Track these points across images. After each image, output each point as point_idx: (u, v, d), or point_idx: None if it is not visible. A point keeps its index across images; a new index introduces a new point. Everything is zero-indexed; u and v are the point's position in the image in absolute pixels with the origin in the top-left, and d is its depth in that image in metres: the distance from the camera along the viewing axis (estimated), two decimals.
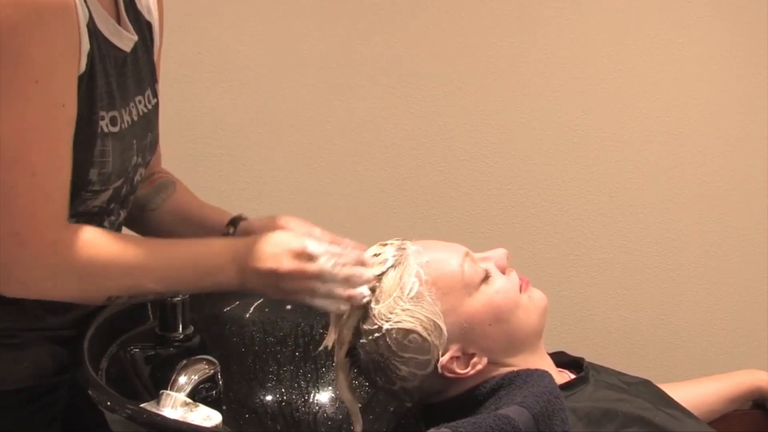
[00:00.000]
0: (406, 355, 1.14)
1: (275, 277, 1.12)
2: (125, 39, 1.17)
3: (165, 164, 1.39)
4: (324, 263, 1.13)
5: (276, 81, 1.85)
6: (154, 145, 1.28)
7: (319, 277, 1.13)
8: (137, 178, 1.25)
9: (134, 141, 1.19)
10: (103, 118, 1.12)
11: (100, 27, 1.11)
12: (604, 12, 1.93)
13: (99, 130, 1.11)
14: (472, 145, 1.94)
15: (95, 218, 1.17)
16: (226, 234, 1.31)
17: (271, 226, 1.24)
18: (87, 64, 1.08)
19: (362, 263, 1.17)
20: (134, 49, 1.20)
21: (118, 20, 1.18)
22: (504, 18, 1.89)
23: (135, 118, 1.20)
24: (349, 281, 1.14)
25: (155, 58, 1.29)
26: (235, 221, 1.32)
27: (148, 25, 1.26)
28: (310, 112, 1.87)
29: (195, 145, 1.81)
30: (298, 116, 1.87)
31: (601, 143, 1.98)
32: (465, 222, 1.96)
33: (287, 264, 1.12)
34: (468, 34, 1.89)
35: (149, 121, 1.25)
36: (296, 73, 1.85)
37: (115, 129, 1.14)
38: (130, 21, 1.21)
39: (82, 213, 1.14)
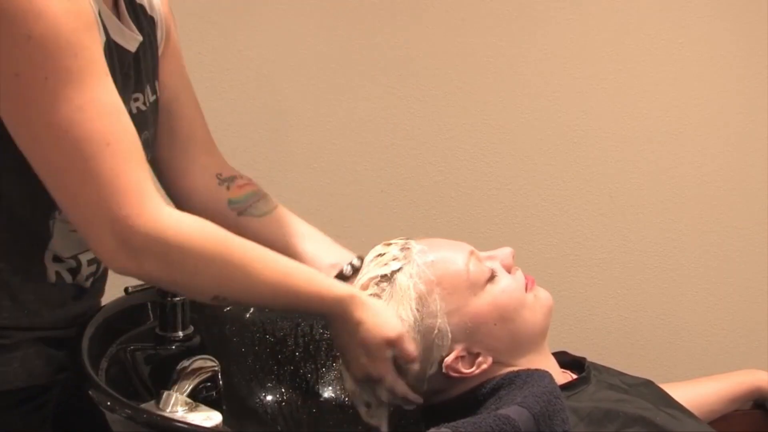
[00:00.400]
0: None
1: (381, 340, 1.13)
2: (129, 39, 1.17)
3: None
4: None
5: (276, 81, 1.84)
6: (150, 144, 1.26)
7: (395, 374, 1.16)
8: None
9: None
10: None
11: (106, 24, 1.11)
12: (604, 12, 1.93)
13: None
14: (472, 145, 1.94)
15: None
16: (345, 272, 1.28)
17: None
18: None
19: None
20: (138, 48, 1.20)
21: (120, 19, 1.17)
22: (504, 18, 1.89)
23: (132, 112, 1.19)
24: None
25: (159, 53, 1.29)
26: (355, 265, 1.28)
27: (151, 21, 1.26)
28: (310, 112, 1.87)
29: None
30: (298, 116, 1.87)
31: (601, 143, 1.98)
32: (465, 222, 1.96)
33: (382, 354, 1.14)
34: (468, 34, 1.89)
35: (145, 119, 1.24)
36: (296, 73, 1.85)
37: None
38: (132, 18, 1.20)
39: None
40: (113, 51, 1.13)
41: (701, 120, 2.01)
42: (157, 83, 1.28)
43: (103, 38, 1.08)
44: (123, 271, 1.05)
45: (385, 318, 1.14)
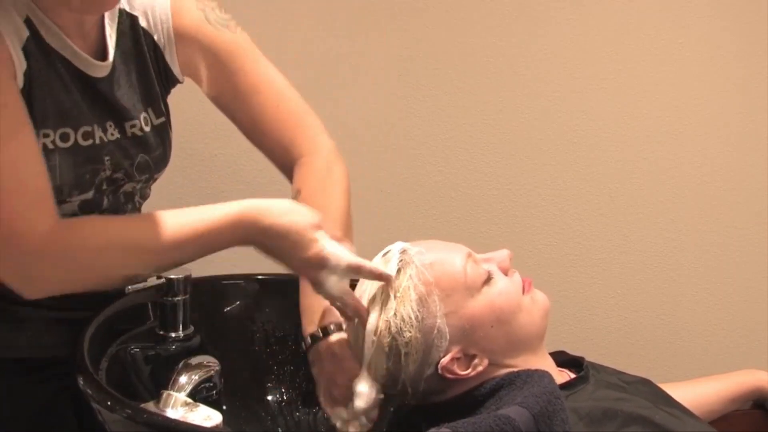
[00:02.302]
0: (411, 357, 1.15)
1: (294, 233, 1.12)
2: (89, 64, 1.19)
3: None
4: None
5: None
6: (151, 165, 1.29)
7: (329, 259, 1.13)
8: (127, 191, 1.28)
9: (107, 157, 1.22)
10: (47, 135, 1.14)
11: (56, 48, 1.14)
12: (604, 12, 1.93)
13: (41, 147, 1.13)
14: (472, 145, 1.94)
15: None
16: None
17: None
18: (25, 83, 1.11)
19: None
20: (115, 72, 1.22)
21: (94, 45, 1.20)
22: (504, 18, 1.89)
23: (117, 136, 1.23)
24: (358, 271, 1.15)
25: (173, 74, 1.30)
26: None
27: (154, 44, 1.28)
28: None
29: (195, 145, 1.81)
30: None
31: (601, 143, 1.98)
32: (465, 222, 1.96)
33: (311, 231, 1.12)
34: (468, 34, 1.89)
35: (143, 143, 1.27)
36: (296, 73, 1.84)
37: (66, 144, 1.17)
38: (127, 42, 1.23)
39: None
40: (70, 71, 1.16)
41: (701, 120, 2.01)
42: (162, 105, 1.30)
43: (23, 66, 1.10)
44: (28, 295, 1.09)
45: (299, 208, 1.15)
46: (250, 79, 1.32)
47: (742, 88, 2.00)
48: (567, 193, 1.99)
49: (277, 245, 1.13)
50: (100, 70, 1.21)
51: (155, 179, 1.34)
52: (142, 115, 1.27)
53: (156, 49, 1.28)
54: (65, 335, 1.24)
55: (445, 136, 1.92)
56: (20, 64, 1.10)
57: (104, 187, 1.24)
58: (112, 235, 1.10)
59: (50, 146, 1.15)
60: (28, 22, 1.11)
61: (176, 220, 1.12)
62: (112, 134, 1.23)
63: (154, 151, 1.29)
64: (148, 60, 1.27)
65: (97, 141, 1.20)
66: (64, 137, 1.16)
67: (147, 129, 1.27)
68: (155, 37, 1.27)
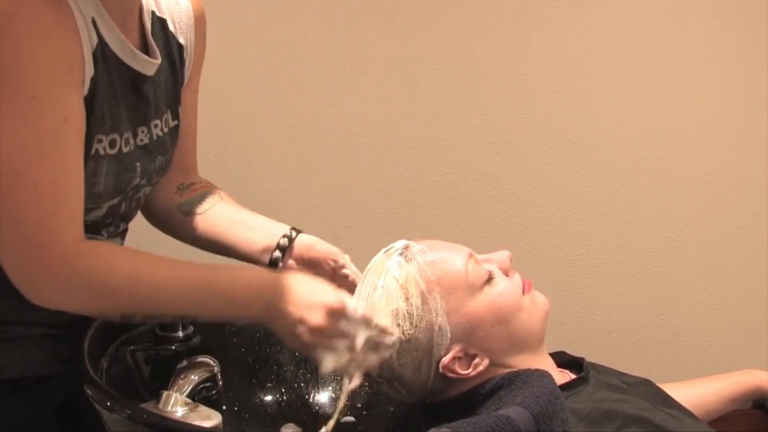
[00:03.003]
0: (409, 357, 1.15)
1: (301, 326, 1.09)
2: (144, 63, 1.19)
3: None
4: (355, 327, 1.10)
5: (276, 81, 1.85)
6: (164, 167, 1.29)
7: (346, 336, 1.10)
8: (140, 196, 1.27)
9: (138, 163, 1.21)
10: (100, 141, 1.13)
11: (115, 51, 1.13)
12: (604, 12, 1.93)
13: (93, 152, 1.12)
14: (472, 145, 1.94)
15: (91, 229, 1.18)
16: (281, 244, 1.29)
17: (328, 254, 1.23)
18: (90, 89, 1.09)
19: (387, 332, 1.13)
20: (158, 72, 1.22)
21: (143, 43, 1.20)
22: (504, 18, 1.89)
23: (146, 140, 1.22)
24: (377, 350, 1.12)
25: (185, 79, 1.32)
26: (290, 237, 1.29)
27: (179, 47, 1.29)
28: (310, 113, 1.87)
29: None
30: (298, 116, 1.87)
31: (601, 143, 1.98)
32: (465, 222, 1.96)
33: (318, 318, 1.09)
34: (468, 34, 1.89)
35: (162, 144, 1.27)
36: (296, 73, 1.85)
37: (113, 151, 1.16)
38: (159, 43, 1.24)
39: None
40: (122, 74, 1.15)
41: (701, 120, 2.01)
42: (180, 109, 1.31)
43: (91, 72, 1.09)
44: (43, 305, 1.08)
45: (319, 286, 1.12)
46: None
47: (742, 88, 2.00)
48: (567, 193, 1.99)
49: (286, 325, 1.11)
50: (151, 68, 1.20)
51: (155, 184, 1.33)
52: (164, 116, 1.27)
53: (181, 52, 1.29)
54: (54, 351, 1.22)
55: (445, 136, 1.92)
56: (89, 71, 1.09)
57: (130, 193, 1.23)
58: (137, 271, 1.08)
59: (101, 152, 1.14)
60: (94, 24, 1.10)
61: (199, 269, 1.11)
62: (142, 140, 1.22)
63: (167, 154, 1.29)
64: (176, 63, 1.28)
65: (132, 147, 1.20)
66: (113, 144, 1.15)
67: (165, 130, 1.27)
68: (181, 41, 1.29)
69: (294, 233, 1.30)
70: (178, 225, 1.34)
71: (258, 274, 1.17)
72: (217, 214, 1.33)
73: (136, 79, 1.18)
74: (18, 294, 1.12)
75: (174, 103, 1.29)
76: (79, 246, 1.06)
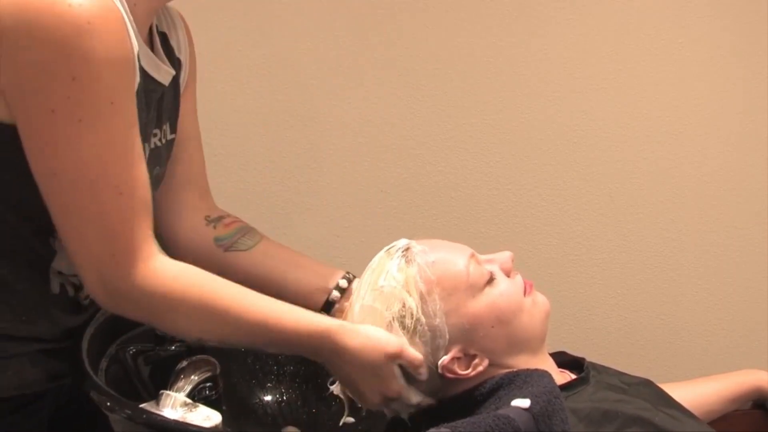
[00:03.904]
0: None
1: (383, 356, 1.12)
2: (164, 73, 1.20)
3: None
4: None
5: (275, 81, 1.84)
6: (159, 179, 1.29)
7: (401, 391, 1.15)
8: None
9: None
10: None
11: (142, 62, 1.13)
12: (604, 12, 1.93)
13: None
14: (472, 145, 1.94)
15: None
16: (340, 285, 1.32)
17: None
18: (138, 100, 1.10)
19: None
20: (170, 84, 1.24)
21: (155, 53, 1.21)
22: (504, 18, 1.89)
23: (147, 150, 1.22)
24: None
25: (181, 89, 1.32)
26: (349, 278, 1.33)
27: (177, 62, 1.30)
28: (310, 113, 1.87)
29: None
30: (297, 116, 1.87)
31: (601, 143, 1.98)
32: (465, 222, 1.96)
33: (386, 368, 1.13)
34: (468, 34, 1.89)
35: (159, 156, 1.27)
36: (296, 73, 1.85)
37: None
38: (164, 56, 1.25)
39: None
40: (149, 85, 1.16)
41: (701, 120, 2.00)
42: (177, 122, 1.31)
43: (137, 78, 1.10)
44: (107, 309, 1.12)
45: (379, 335, 1.14)
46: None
47: (742, 88, 2.00)
48: (567, 193, 1.99)
49: (348, 367, 1.14)
50: (168, 78, 1.22)
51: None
52: (164, 127, 1.27)
53: (180, 68, 1.30)
54: (48, 369, 1.21)
55: (445, 136, 1.92)
56: (138, 80, 1.10)
57: None
58: (206, 305, 1.09)
59: None
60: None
61: (270, 307, 1.13)
62: (150, 145, 1.23)
63: (162, 167, 1.29)
64: (178, 76, 1.29)
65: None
66: None
67: (163, 141, 1.27)
68: (180, 57, 1.30)
69: (351, 275, 1.34)
70: (218, 259, 1.33)
71: (322, 319, 1.17)
72: (262, 252, 1.35)
73: (156, 89, 1.19)
74: (10, 308, 1.12)
75: (174, 116, 1.30)
76: (157, 262, 1.07)
